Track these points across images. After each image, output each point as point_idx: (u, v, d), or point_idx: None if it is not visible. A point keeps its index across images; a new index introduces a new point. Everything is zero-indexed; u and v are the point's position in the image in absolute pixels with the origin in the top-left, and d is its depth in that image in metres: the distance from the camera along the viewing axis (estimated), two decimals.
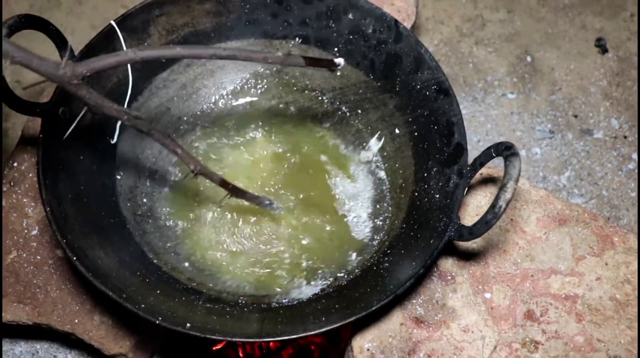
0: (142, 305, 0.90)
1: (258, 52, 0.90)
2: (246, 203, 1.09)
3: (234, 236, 1.13)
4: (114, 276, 0.95)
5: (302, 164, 1.21)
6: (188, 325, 0.89)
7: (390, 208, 1.16)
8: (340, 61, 0.93)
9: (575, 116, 1.60)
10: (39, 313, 1.10)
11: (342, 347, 1.22)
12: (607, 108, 1.61)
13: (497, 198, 0.87)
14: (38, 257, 1.12)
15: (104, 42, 1.08)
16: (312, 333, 0.91)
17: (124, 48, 1.09)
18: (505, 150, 0.91)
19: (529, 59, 1.68)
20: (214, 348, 1.24)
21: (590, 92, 1.63)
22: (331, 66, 0.94)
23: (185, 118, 1.24)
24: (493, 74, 1.66)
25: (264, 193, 1.15)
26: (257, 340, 0.92)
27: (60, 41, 1.05)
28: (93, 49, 1.06)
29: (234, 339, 0.90)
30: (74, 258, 0.90)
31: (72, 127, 0.90)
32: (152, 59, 0.82)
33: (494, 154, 0.96)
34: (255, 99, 1.28)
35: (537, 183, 1.51)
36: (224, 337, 0.90)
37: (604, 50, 1.70)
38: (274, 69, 1.27)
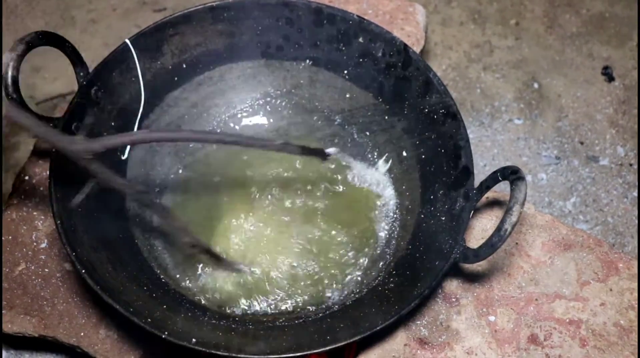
0: (149, 320, 0.90)
1: (259, 140, 1.00)
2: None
3: (240, 251, 1.14)
4: (122, 290, 0.95)
5: (308, 183, 1.22)
6: (194, 340, 0.89)
7: (397, 230, 1.17)
8: (332, 151, 0.99)
9: (582, 143, 1.61)
10: (45, 325, 1.10)
11: None
12: (613, 136, 1.61)
13: (502, 221, 0.88)
14: (46, 270, 1.13)
15: (118, 59, 1.10)
16: (317, 351, 0.91)
17: (137, 66, 1.11)
18: (512, 174, 0.92)
19: (536, 85, 1.69)
20: None
21: (597, 120, 1.64)
22: (324, 156, 1.00)
23: None
24: (500, 99, 1.67)
25: (272, 207, 1.17)
26: (263, 357, 0.93)
27: (75, 58, 1.07)
28: (107, 66, 1.09)
29: (239, 355, 0.91)
30: (83, 271, 0.91)
31: (80, 198, 0.94)
32: (161, 141, 0.85)
33: (500, 178, 0.97)
34: (264, 119, 1.29)
35: (542, 208, 1.52)
36: (229, 354, 0.90)
37: (610, 78, 1.71)
38: (284, 89, 1.28)
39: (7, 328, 1.10)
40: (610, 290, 1.09)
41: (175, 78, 1.20)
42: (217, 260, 1.09)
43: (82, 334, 1.10)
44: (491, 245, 0.90)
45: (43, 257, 1.14)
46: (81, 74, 1.08)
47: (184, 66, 1.19)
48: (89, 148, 0.80)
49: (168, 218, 0.98)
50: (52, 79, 1.58)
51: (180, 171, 1.22)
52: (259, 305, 1.09)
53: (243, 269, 1.12)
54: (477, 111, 1.66)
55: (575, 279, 1.10)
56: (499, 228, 0.88)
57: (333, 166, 1.24)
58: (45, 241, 1.15)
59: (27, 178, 1.20)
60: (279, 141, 0.91)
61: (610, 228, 1.50)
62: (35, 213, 1.17)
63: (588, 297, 1.08)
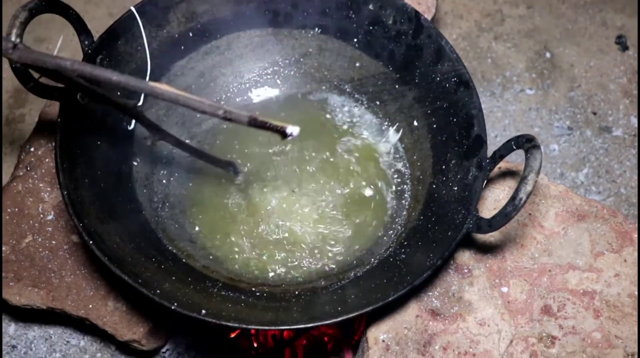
0: (158, 291, 0.89)
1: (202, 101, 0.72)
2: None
3: (251, 224, 1.13)
4: (130, 261, 0.94)
5: (320, 151, 1.21)
6: (203, 311, 0.88)
7: (407, 200, 1.16)
8: (293, 131, 0.74)
9: (594, 113, 1.58)
10: (54, 297, 1.10)
11: (355, 339, 1.22)
12: (627, 106, 1.59)
13: (517, 190, 0.86)
14: (53, 242, 1.12)
15: (123, 27, 1.08)
16: (328, 322, 0.90)
17: (143, 35, 1.09)
18: (527, 142, 0.91)
19: (548, 55, 1.66)
20: (231, 335, 1.23)
21: (610, 90, 1.61)
22: (283, 134, 0.75)
23: None
24: (512, 69, 1.64)
25: (287, 177, 1.17)
26: (273, 328, 0.92)
27: (80, 26, 1.05)
28: (112, 34, 1.07)
29: (249, 326, 0.90)
30: (90, 242, 0.89)
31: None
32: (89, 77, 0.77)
33: (514, 147, 0.95)
34: (273, 88, 1.28)
35: (554, 180, 1.50)
36: (239, 324, 0.89)
37: (624, 47, 1.68)
38: (293, 59, 1.26)
39: (15, 300, 1.09)
40: (625, 260, 1.08)
41: (182, 47, 1.18)
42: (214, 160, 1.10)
43: (90, 306, 1.10)
44: (505, 215, 0.88)
45: (50, 229, 1.13)
46: (86, 42, 1.05)
47: (191, 34, 1.17)
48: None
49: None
50: (56, 51, 1.56)
51: (188, 141, 1.20)
52: (269, 274, 1.09)
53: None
54: (488, 81, 1.63)
55: (589, 250, 1.09)
56: (513, 197, 0.87)
57: (346, 139, 1.22)
58: (52, 213, 1.14)
59: (32, 149, 1.18)
60: (223, 109, 0.72)
61: (623, 199, 1.48)
62: (41, 185, 1.16)
63: (602, 268, 1.07)
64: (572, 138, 1.55)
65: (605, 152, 1.53)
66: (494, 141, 1.54)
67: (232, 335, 1.24)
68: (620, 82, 1.62)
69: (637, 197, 1.47)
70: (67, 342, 1.25)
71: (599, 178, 1.50)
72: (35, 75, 0.97)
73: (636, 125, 1.56)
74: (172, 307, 0.88)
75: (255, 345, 1.22)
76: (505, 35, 1.69)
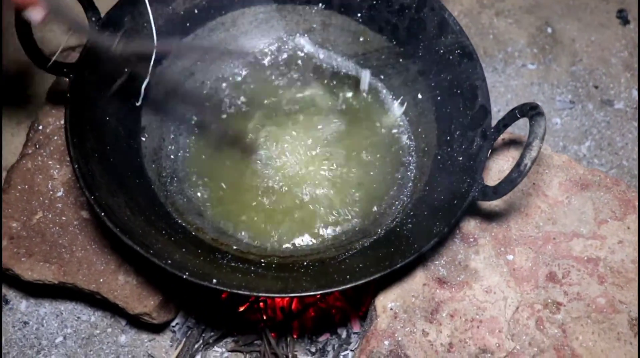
0: (169, 261, 0.91)
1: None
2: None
3: (259, 196, 1.15)
4: (140, 233, 0.96)
5: (324, 119, 1.23)
6: (214, 280, 0.89)
7: (413, 171, 1.17)
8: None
9: (596, 87, 1.59)
10: (65, 272, 1.11)
11: (363, 310, 1.23)
12: (628, 79, 1.59)
13: (522, 156, 0.87)
14: (63, 218, 1.14)
15: (129, 3, 1.08)
16: (337, 289, 0.92)
17: (149, 11, 1.09)
18: (531, 110, 0.91)
19: (549, 30, 1.66)
20: (240, 308, 1.25)
21: (611, 64, 1.62)
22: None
23: (208, 83, 1.24)
24: (513, 45, 1.64)
25: (291, 148, 1.19)
26: (283, 295, 0.93)
27: (87, 2, 1.06)
28: (119, 10, 1.07)
29: (259, 294, 0.91)
30: (102, 213, 0.91)
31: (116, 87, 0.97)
32: None
33: (518, 115, 0.96)
34: (278, 63, 1.28)
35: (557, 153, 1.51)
36: (249, 292, 0.90)
37: (625, 21, 1.68)
38: (297, 34, 1.27)
39: (27, 275, 1.11)
40: (628, 228, 1.09)
41: (187, 24, 1.18)
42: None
43: (101, 280, 1.11)
44: (510, 181, 0.88)
45: (60, 205, 1.14)
46: (93, 19, 1.06)
47: (196, 11, 1.18)
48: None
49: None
50: (60, 32, 1.56)
51: (195, 117, 1.22)
52: (278, 246, 1.11)
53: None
54: (490, 56, 1.64)
55: (593, 218, 1.10)
56: (518, 164, 0.87)
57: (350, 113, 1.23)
58: (62, 189, 1.15)
59: (40, 127, 1.19)
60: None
61: (625, 171, 1.49)
62: (50, 162, 1.17)
63: (606, 235, 1.08)
64: (574, 112, 1.56)
65: (607, 125, 1.54)
66: (497, 115, 1.53)
67: (241, 309, 1.25)
68: (622, 56, 1.62)
69: (638, 169, 1.48)
70: (78, 317, 1.27)
71: (601, 150, 1.51)
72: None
73: (637, 98, 1.56)
74: (184, 276, 0.89)
75: (264, 318, 1.24)
76: (506, 11, 1.69)
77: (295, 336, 1.24)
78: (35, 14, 0.87)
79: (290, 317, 1.24)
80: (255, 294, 0.91)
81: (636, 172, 1.47)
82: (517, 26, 1.68)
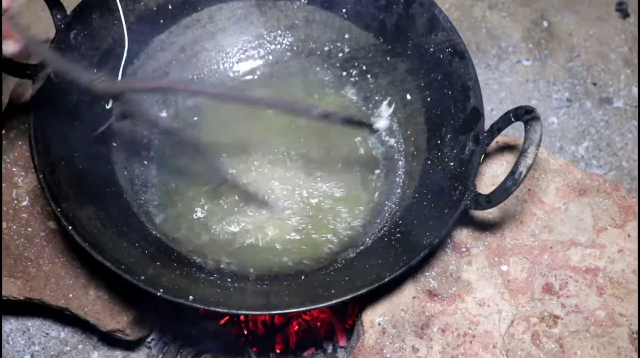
0: (142, 277, 0.86)
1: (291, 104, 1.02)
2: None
3: (237, 206, 1.10)
4: (112, 247, 0.91)
5: (307, 127, 1.18)
6: (191, 297, 0.85)
7: (401, 177, 1.13)
8: (382, 125, 0.97)
9: (594, 84, 1.56)
10: (31, 287, 1.06)
11: (349, 323, 1.19)
12: (628, 76, 1.56)
13: (517, 163, 0.84)
14: (29, 229, 1.08)
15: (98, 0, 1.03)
16: (321, 305, 0.89)
17: (119, 7, 1.04)
18: (526, 114, 0.89)
19: (545, 24, 1.63)
20: (220, 322, 1.21)
21: (610, 59, 1.58)
22: (371, 129, 0.98)
23: None
24: (507, 39, 1.61)
25: (273, 154, 1.15)
26: (264, 313, 0.90)
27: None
28: (87, 7, 1.03)
29: (239, 312, 0.88)
30: (70, 227, 0.86)
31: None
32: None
33: (512, 119, 0.93)
34: (258, 63, 1.24)
35: (553, 154, 1.47)
36: (228, 310, 0.86)
37: (625, 14, 1.65)
38: (278, 31, 1.23)
39: None
40: (629, 236, 1.05)
41: (161, 20, 1.14)
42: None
43: (70, 295, 1.06)
44: (505, 189, 0.86)
45: (25, 216, 1.09)
46: (58, 16, 1.01)
47: (170, 6, 1.14)
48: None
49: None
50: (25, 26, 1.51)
51: (169, 121, 1.17)
52: (258, 258, 1.06)
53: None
54: (483, 52, 1.60)
55: (592, 225, 1.06)
56: (513, 171, 0.84)
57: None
58: (27, 198, 1.10)
59: (3, 132, 1.14)
60: (319, 109, 0.91)
61: (625, 172, 1.45)
62: (14, 169, 1.11)
63: (605, 244, 1.05)
64: (572, 110, 1.52)
65: (605, 124, 1.51)
66: (490, 114, 1.51)
67: (221, 322, 1.21)
68: (621, 52, 1.59)
69: (638, 171, 1.44)
70: (47, 333, 1.22)
71: (599, 151, 1.48)
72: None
73: (637, 96, 1.53)
74: (158, 293, 0.84)
75: (245, 332, 1.20)
76: (500, 4, 1.66)
77: (278, 351, 1.20)
78: (8, 47, 0.83)
79: (273, 331, 1.20)
80: (233, 312, 0.87)
81: (636, 174, 1.44)
82: (512, 20, 1.64)
